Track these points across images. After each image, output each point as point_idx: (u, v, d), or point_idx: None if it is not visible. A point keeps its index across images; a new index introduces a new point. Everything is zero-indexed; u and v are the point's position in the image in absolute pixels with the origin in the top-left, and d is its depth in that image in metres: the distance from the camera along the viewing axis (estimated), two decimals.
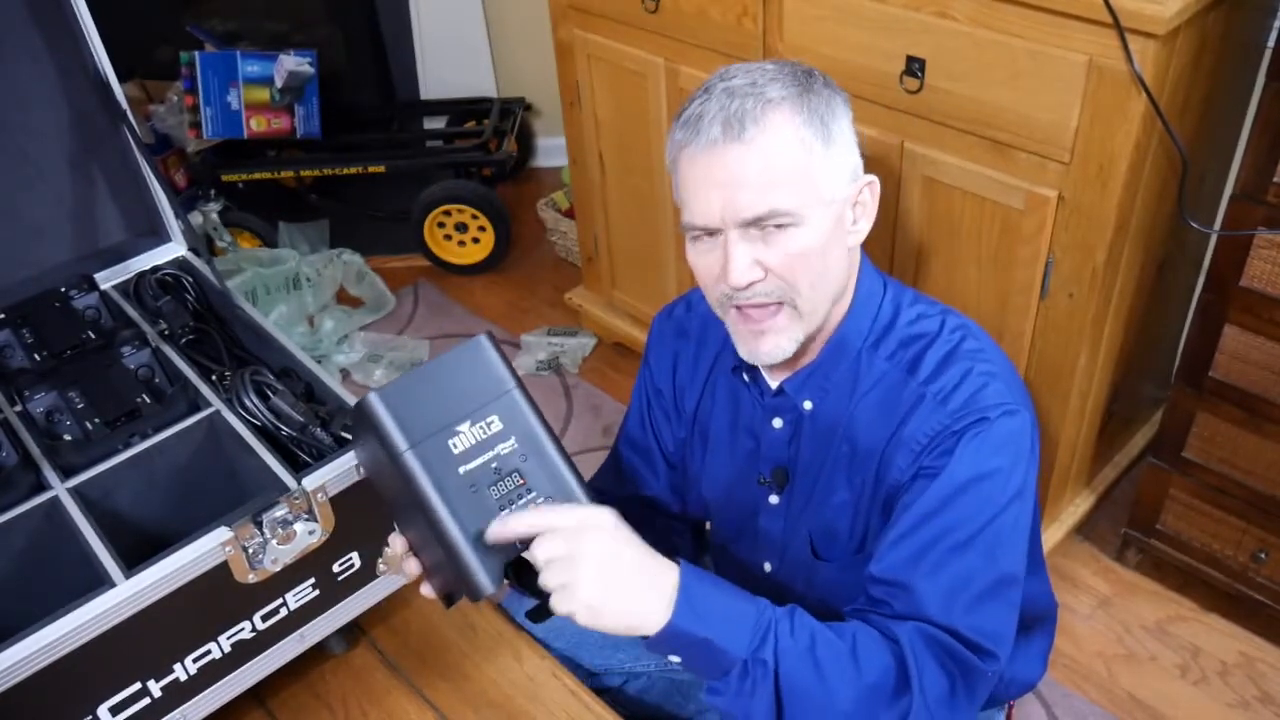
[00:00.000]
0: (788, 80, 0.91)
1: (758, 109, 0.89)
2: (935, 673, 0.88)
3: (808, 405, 1.02)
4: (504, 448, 0.83)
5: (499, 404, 0.84)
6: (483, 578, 0.81)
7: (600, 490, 1.24)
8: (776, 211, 0.89)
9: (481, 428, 0.83)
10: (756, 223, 0.90)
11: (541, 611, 0.87)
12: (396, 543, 0.95)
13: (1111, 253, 1.42)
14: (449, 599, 0.93)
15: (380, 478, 0.92)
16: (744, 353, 0.97)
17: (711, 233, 0.93)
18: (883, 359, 0.99)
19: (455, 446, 0.82)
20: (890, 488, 0.97)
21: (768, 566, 1.16)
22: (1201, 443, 1.61)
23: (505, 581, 0.88)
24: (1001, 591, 0.93)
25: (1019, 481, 0.94)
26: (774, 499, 1.09)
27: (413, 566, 0.94)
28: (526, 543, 0.83)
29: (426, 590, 0.95)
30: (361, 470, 0.98)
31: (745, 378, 1.06)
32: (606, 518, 0.82)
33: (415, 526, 0.89)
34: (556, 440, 0.86)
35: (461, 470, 0.82)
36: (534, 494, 0.84)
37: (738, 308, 0.95)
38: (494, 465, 0.82)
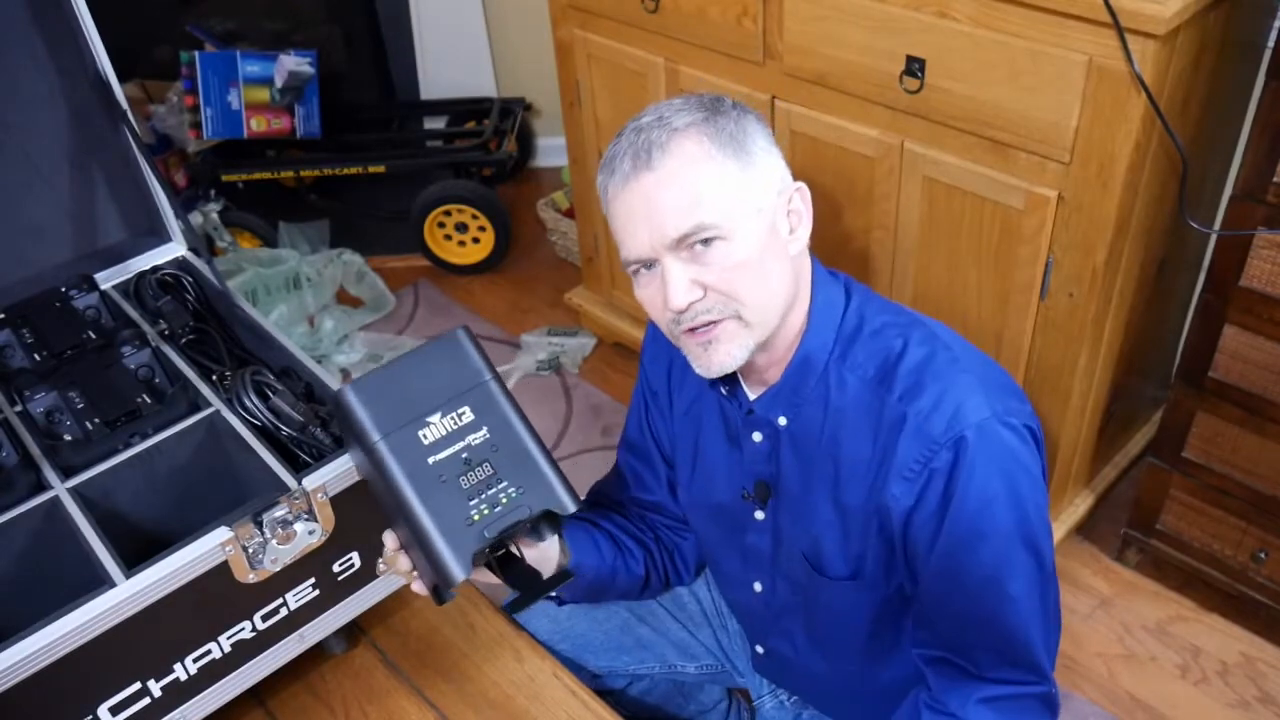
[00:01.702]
0: (694, 108, 0.94)
1: (664, 137, 0.91)
2: None
3: (783, 421, 1.02)
4: (475, 438, 0.85)
5: (472, 395, 0.86)
6: (453, 565, 0.83)
7: (605, 494, 1.24)
8: (702, 226, 0.90)
9: (453, 419, 0.85)
10: (685, 242, 0.91)
11: (521, 603, 0.89)
12: (389, 540, 0.96)
13: (1111, 253, 1.42)
14: (437, 594, 0.93)
15: (364, 471, 0.93)
16: (699, 369, 0.97)
17: (649, 264, 0.94)
18: (851, 372, 0.98)
19: (425, 437, 0.84)
20: (886, 514, 0.97)
21: (758, 586, 1.15)
22: (1201, 443, 1.61)
23: (490, 570, 0.90)
24: (1043, 614, 0.97)
25: (1030, 487, 0.94)
26: (759, 514, 1.09)
27: (403, 563, 0.95)
28: (510, 535, 0.85)
29: (418, 587, 0.96)
30: (358, 471, 0.99)
31: (723, 390, 1.06)
32: None
33: (397, 520, 0.90)
34: (532, 431, 0.88)
35: (431, 460, 0.83)
36: (505, 484, 0.85)
37: (687, 330, 0.95)
38: (464, 456, 0.84)
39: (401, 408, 0.83)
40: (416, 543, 0.85)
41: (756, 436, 1.05)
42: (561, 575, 0.95)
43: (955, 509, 0.92)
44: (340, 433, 0.96)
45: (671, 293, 0.91)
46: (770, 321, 0.95)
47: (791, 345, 0.99)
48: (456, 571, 0.83)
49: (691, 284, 0.91)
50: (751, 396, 1.04)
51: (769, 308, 0.94)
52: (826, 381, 0.99)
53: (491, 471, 0.85)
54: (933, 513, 0.94)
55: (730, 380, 1.05)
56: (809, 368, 0.99)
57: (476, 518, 0.84)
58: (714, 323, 0.93)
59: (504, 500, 0.85)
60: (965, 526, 0.93)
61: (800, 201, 0.98)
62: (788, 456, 1.03)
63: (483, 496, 0.84)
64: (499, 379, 0.88)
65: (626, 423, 1.23)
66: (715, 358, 0.95)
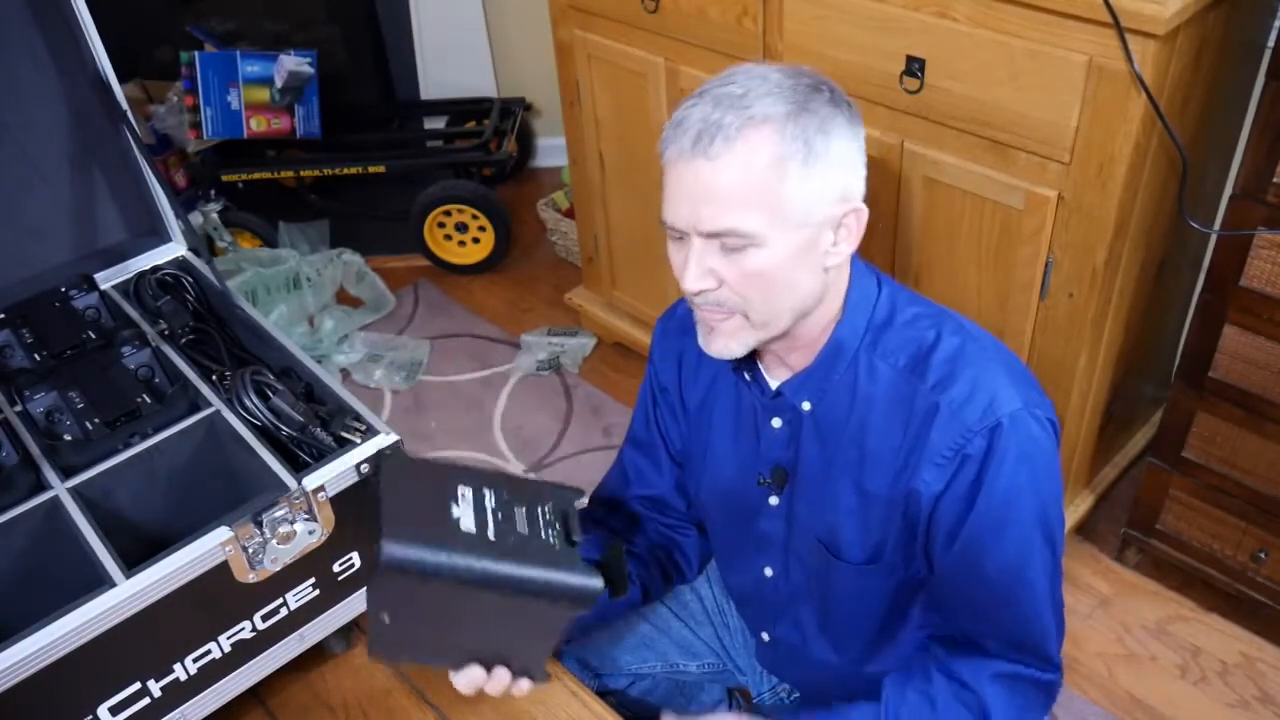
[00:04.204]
0: (784, 96, 0.88)
1: (734, 126, 0.87)
2: (1014, 710, 0.99)
3: (806, 406, 1.03)
4: (489, 499, 0.87)
5: (455, 479, 0.88)
6: (586, 581, 0.85)
7: (606, 499, 1.25)
8: (734, 231, 0.89)
9: (464, 500, 0.86)
10: (716, 237, 0.90)
11: (617, 589, 0.90)
12: (462, 683, 0.92)
13: (1111, 253, 1.42)
14: (533, 674, 0.94)
15: (423, 610, 0.89)
16: (700, 344, 0.99)
17: (681, 235, 0.94)
18: (881, 361, 0.99)
19: (464, 526, 0.85)
20: (915, 499, 0.97)
21: (768, 571, 1.16)
22: (1201, 443, 1.61)
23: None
24: (1053, 604, 1.00)
25: (1051, 479, 0.97)
26: (774, 500, 1.09)
27: (501, 679, 0.92)
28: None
29: (523, 687, 0.93)
30: (387, 616, 0.90)
31: (746, 376, 1.06)
32: None
33: (483, 622, 0.88)
34: (507, 474, 0.91)
35: (490, 534, 0.85)
36: (540, 506, 0.88)
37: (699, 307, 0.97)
38: (499, 515, 0.86)
39: (428, 525, 0.84)
40: (528, 610, 0.86)
41: (776, 422, 1.06)
42: (616, 550, 0.95)
43: (984, 495, 0.94)
44: (381, 589, 0.89)
45: (686, 276, 0.92)
46: (778, 325, 0.95)
47: (820, 335, 1.00)
48: (593, 583, 0.84)
49: (708, 273, 0.92)
50: (772, 381, 1.05)
51: (779, 314, 0.95)
52: (855, 368, 1.00)
53: (525, 506, 0.87)
54: (961, 497, 0.95)
55: (750, 366, 1.06)
56: (840, 354, 1.00)
57: (556, 544, 0.86)
58: (717, 312, 0.94)
59: (551, 515, 0.87)
60: (992, 513, 0.94)
61: (855, 221, 0.95)
62: (809, 442, 1.04)
63: (540, 525, 0.87)
64: (451, 463, 0.90)
65: (633, 419, 1.24)
66: (714, 344, 0.97)
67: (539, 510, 0.87)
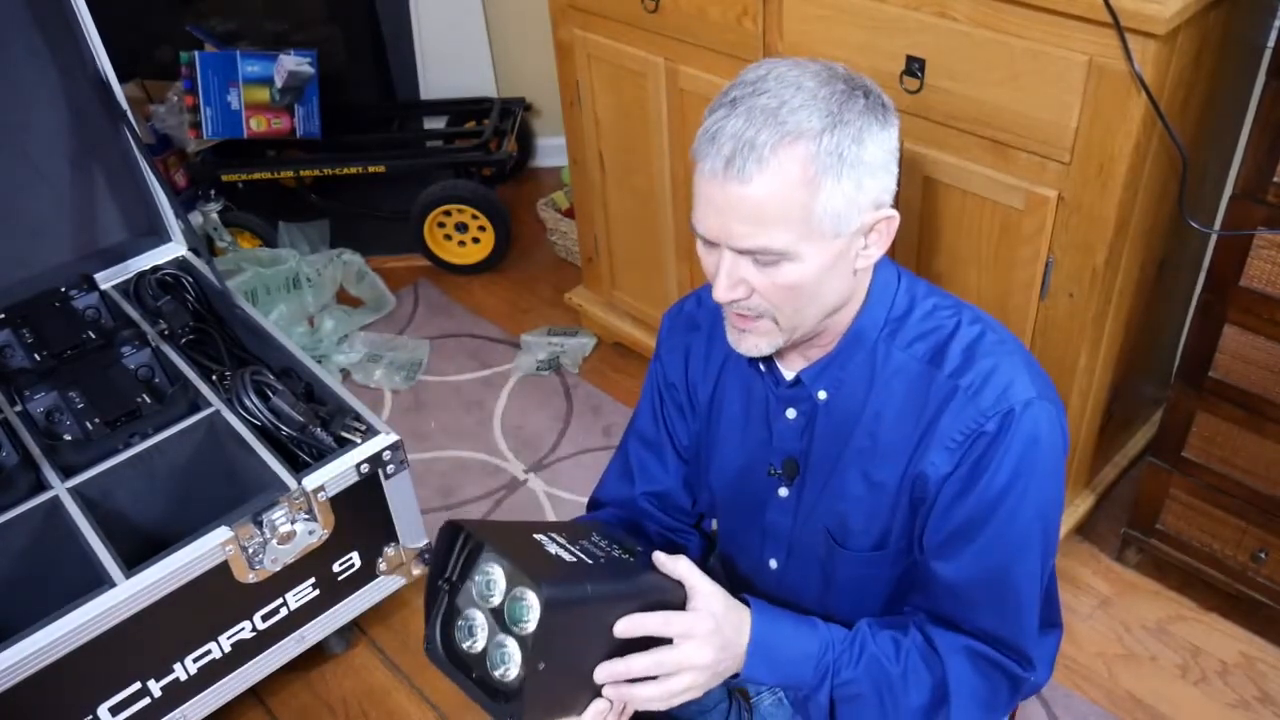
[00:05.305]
0: (819, 108, 0.86)
1: (768, 145, 0.85)
2: (974, 689, 0.99)
3: (822, 395, 1.03)
4: (562, 539, 0.95)
5: (527, 531, 0.95)
6: (671, 584, 0.94)
7: (605, 501, 1.26)
8: (767, 250, 0.89)
9: (549, 543, 0.93)
10: (749, 254, 0.91)
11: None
12: (599, 708, 0.92)
13: (1111, 253, 1.42)
14: None
15: (565, 651, 0.90)
16: (730, 343, 1.00)
17: (711, 243, 0.94)
18: (899, 350, 1.00)
19: (569, 560, 0.91)
20: (922, 482, 0.98)
21: (773, 564, 1.16)
22: (1201, 442, 1.61)
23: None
24: (1035, 601, 1.00)
25: (1057, 477, 0.97)
26: (783, 491, 1.10)
27: (618, 706, 0.94)
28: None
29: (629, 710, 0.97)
30: (543, 664, 0.87)
31: (761, 368, 1.07)
32: (702, 624, 0.92)
33: (597, 651, 0.91)
34: (533, 522, 1.00)
35: (590, 562, 0.92)
36: (591, 536, 0.97)
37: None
38: (577, 548, 0.94)
39: (554, 566, 0.89)
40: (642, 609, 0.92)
41: (790, 413, 1.06)
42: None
43: (988, 477, 0.94)
44: (543, 635, 0.88)
45: (718, 287, 0.93)
46: (806, 327, 0.97)
47: (842, 329, 1.01)
48: (677, 586, 0.95)
49: (740, 282, 0.92)
50: (787, 371, 1.05)
51: (808, 318, 0.96)
52: (874, 357, 1.00)
53: (585, 540, 0.96)
54: (964, 477, 0.95)
55: (765, 358, 1.06)
56: (859, 343, 1.01)
57: (632, 559, 0.96)
58: (747, 316, 0.96)
59: (605, 540, 0.97)
60: (991, 499, 0.94)
61: (886, 227, 0.95)
62: (822, 432, 1.04)
63: (607, 549, 0.95)
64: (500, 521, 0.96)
65: (637, 416, 1.24)
66: (745, 344, 0.98)
67: (593, 540, 0.96)
